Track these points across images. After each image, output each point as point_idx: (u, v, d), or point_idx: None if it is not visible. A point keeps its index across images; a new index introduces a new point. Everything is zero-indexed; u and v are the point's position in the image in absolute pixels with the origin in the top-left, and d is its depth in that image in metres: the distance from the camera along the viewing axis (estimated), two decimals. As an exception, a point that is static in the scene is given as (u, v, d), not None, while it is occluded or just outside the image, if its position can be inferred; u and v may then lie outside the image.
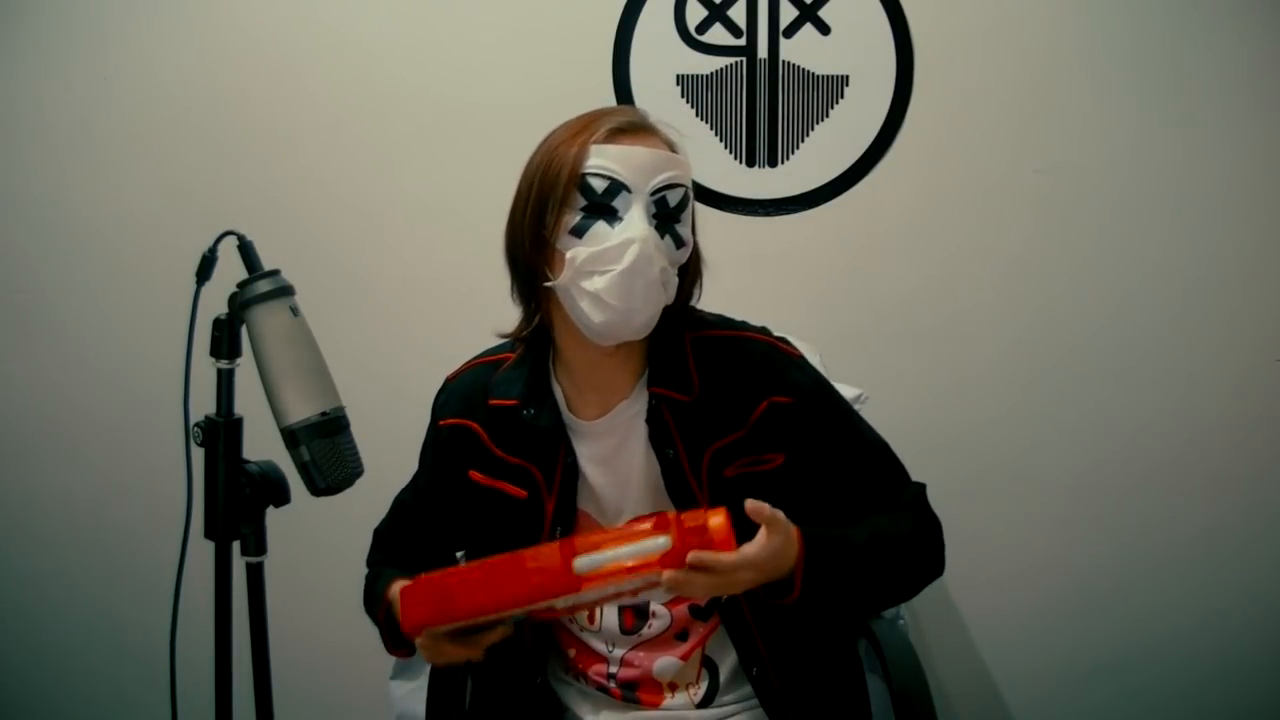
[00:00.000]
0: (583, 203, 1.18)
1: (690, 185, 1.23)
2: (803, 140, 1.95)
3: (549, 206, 1.19)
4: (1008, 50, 1.92)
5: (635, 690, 1.31)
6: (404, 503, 1.44)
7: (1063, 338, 1.97)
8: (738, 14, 1.93)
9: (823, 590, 1.17)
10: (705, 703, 1.30)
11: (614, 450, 1.28)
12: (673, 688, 1.30)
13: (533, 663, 1.35)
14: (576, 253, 1.17)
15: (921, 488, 1.32)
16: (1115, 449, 1.98)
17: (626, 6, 1.94)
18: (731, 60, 1.95)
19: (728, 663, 1.30)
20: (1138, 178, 1.93)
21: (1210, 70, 1.90)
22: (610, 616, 1.30)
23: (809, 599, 1.15)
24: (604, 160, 1.17)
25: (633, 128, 1.21)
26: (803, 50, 1.94)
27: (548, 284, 1.21)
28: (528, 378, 1.30)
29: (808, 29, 1.93)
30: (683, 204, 1.21)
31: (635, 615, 1.30)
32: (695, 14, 1.94)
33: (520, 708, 1.35)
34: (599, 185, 1.17)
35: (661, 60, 1.94)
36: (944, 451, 1.97)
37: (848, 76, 1.94)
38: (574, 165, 1.18)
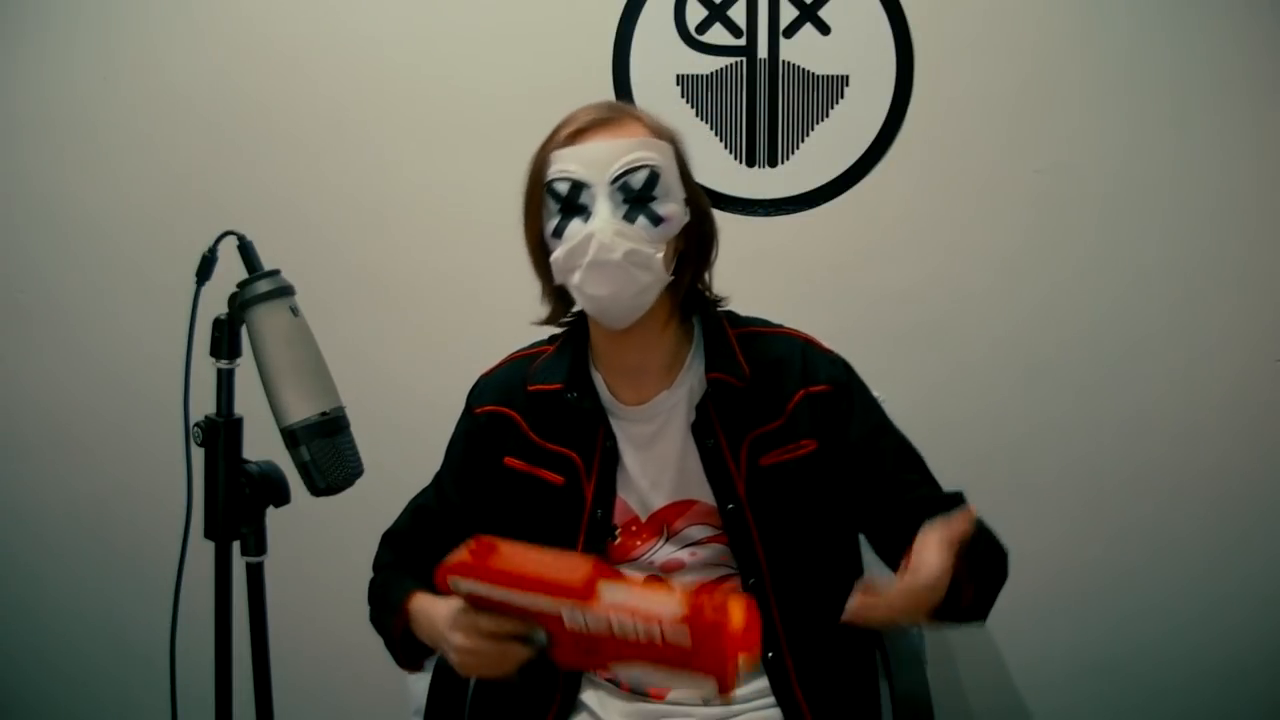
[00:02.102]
0: (556, 206, 1.26)
1: (666, 161, 1.26)
2: (803, 140, 1.95)
3: (539, 216, 1.28)
4: (1008, 50, 1.92)
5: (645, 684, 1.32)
6: (424, 506, 1.44)
7: (1062, 337, 1.97)
8: (738, 14, 1.94)
9: (985, 586, 1.18)
10: (709, 701, 1.30)
11: (652, 436, 1.33)
12: None
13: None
14: (558, 253, 1.25)
15: (962, 495, 1.34)
16: (1115, 448, 1.98)
17: (626, 6, 1.94)
18: (731, 60, 1.95)
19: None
20: (1136, 177, 1.93)
21: (1208, 71, 1.90)
22: None
23: (980, 598, 1.17)
24: (562, 164, 1.25)
25: (593, 125, 1.27)
26: (803, 50, 1.94)
27: (558, 282, 1.29)
28: (569, 364, 1.36)
29: (808, 29, 1.94)
30: (650, 182, 1.24)
31: None
32: (695, 14, 1.94)
33: (523, 695, 1.35)
34: (563, 188, 1.24)
35: (661, 60, 1.94)
36: (943, 450, 1.97)
37: (848, 76, 1.94)
38: (539, 175, 1.27)
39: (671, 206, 1.26)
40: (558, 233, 1.25)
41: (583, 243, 1.22)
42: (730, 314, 1.40)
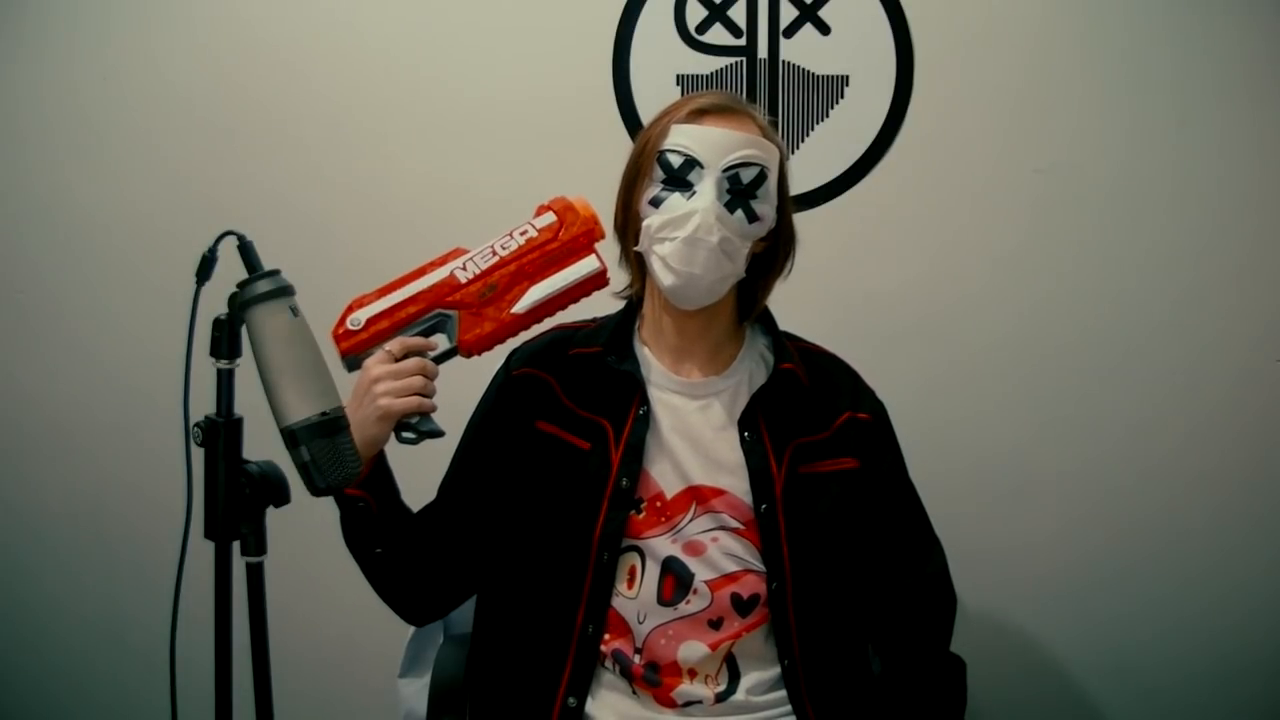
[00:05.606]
0: (662, 176, 1.30)
1: (773, 165, 1.32)
2: (802, 140, 1.96)
3: (637, 180, 1.32)
4: (1007, 50, 1.92)
5: (657, 671, 1.31)
6: (445, 479, 1.42)
7: (1062, 337, 1.97)
8: (738, 14, 1.94)
9: None
10: (721, 699, 1.31)
11: (690, 414, 1.35)
12: (692, 674, 1.31)
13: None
14: (651, 221, 1.29)
15: (944, 563, 1.42)
16: (1113, 448, 1.98)
17: (626, 6, 1.94)
18: (731, 60, 1.95)
19: (752, 670, 1.32)
20: (1136, 177, 1.93)
21: (1209, 70, 1.90)
22: (650, 584, 1.31)
23: None
24: (681, 138, 1.29)
25: (717, 109, 1.31)
26: (803, 50, 1.94)
27: (636, 249, 1.33)
28: (613, 331, 1.40)
29: (808, 29, 1.94)
30: (758, 181, 1.29)
31: (676, 585, 1.31)
32: (695, 14, 1.94)
33: (525, 702, 1.34)
34: (675, 161, 1.29)
35: (661, 60, 1.94)
36: (942, 449, 1.98)
37: (848, 76, 1.94)
38: (655, 143, 1.31)
39: (766, 208, 1.31)
40: (655, 202, 1.29)
41: (682, 217, 1.26)
42: (788, 334, 1.45)
